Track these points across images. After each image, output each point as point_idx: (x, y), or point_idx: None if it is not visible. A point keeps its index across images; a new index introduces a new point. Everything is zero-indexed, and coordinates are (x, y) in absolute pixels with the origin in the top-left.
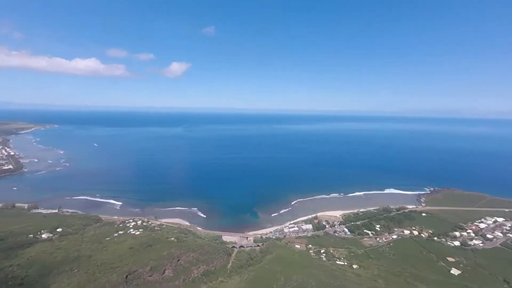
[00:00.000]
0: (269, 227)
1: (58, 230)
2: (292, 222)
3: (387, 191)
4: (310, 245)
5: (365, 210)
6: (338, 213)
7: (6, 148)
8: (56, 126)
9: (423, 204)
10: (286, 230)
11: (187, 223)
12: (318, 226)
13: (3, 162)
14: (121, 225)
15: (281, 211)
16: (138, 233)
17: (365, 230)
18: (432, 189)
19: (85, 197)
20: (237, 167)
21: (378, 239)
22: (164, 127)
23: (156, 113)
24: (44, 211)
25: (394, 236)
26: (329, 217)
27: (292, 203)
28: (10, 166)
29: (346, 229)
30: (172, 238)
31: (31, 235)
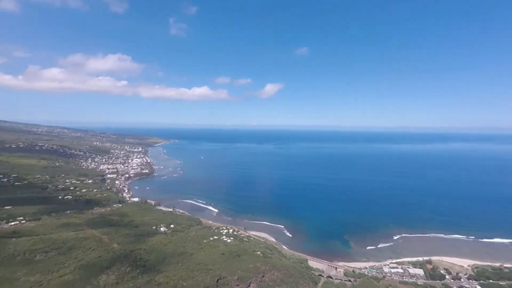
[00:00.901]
0: (364, 261)
1: (171, 226)
2: (394, 261)
3: None
4: None
5: None
6: (465, 262)
7: (146, 157)
8: (177, 141)
9: None
10: (386, 269)
11: (273, 240)
12: (434, 274)
13: (143, 167)
14: (215, 230)
15: (380, 245)
16: (229, 240)
17: None
18: None
19: (191, 201)
20: (328, 188)
21: None
22: (256, 143)
23: (250, 131)
24: (164, 209)
25: None
26: (451, 265)
27: (395, 237)
28: (147, 171)
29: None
30: (258, 252)
31: (154, 227)
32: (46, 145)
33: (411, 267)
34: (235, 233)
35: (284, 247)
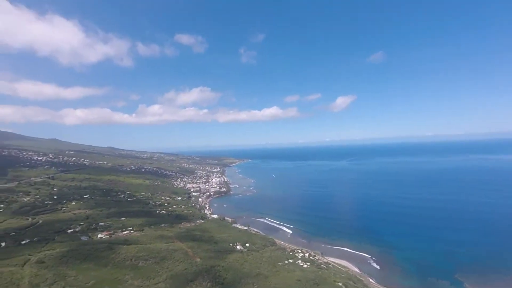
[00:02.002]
0: None
1: (246, 245)
2: None
3: None
4: None
5: None
6: None
7: (223, 176)
8: (250, 160)
9: None
10: None
11: (356, 270)
12: None
13: (221, 186)
14: (290, 253)
15: None
16: (305, 266)
17: None
18: None
19: (264, 220)
20: (428, 211)
21: None
22: (330, 160)
23: (322, 147)
24: (239, 227)
25: None
26: None
27: None
28: (224, 189)
29: None
30: (340, 283)
31: (231, 244)
32: (149, 168)
33: None
34: (311, 258)
35: (370, 280)
